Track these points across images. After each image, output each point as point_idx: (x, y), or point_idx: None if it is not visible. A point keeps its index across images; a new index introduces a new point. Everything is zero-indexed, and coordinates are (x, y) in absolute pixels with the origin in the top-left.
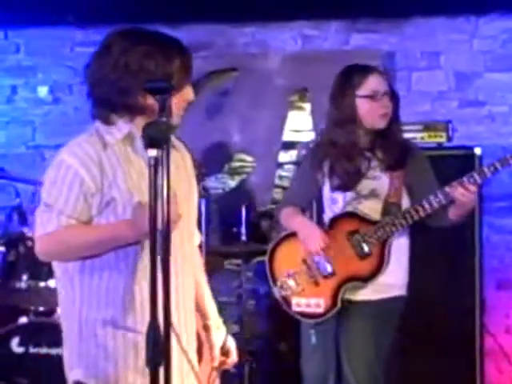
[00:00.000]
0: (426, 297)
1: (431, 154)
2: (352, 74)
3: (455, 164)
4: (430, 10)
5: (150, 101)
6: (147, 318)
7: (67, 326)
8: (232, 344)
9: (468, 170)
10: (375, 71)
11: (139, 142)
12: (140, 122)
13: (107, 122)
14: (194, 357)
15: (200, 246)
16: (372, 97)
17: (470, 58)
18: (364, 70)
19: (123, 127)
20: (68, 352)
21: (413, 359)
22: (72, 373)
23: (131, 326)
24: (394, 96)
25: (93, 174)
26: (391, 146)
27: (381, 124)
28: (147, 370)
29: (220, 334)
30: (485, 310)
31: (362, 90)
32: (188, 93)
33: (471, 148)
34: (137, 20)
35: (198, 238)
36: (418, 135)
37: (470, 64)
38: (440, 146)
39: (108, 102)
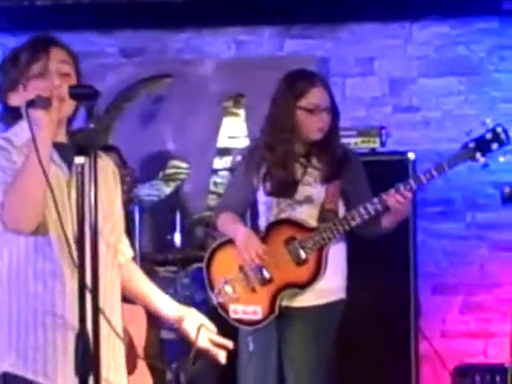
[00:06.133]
0: (360, 302)
1: (365, 159)
2: (296, 83)
3: (389, 169)
4: (363, 15)
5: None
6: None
7: None
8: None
9: (402, 175)
10: (320, 84)
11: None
12: None
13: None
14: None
15: (134, 256)
16: (312, 110)
17: (404, 63)
18: (308, 81)
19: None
20: None
21: (348, 364)
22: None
23: (61, 316)
24: (334, 109)
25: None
26: (327, 158)
27: (316, 136)
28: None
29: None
30: (420, 314)
31: (303, 102)
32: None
33: (404, 153)
34: (69, 27)
35: (129, 250)
36: (352, 141)
37: (403, 70)
38: (373, 152)
39: None
